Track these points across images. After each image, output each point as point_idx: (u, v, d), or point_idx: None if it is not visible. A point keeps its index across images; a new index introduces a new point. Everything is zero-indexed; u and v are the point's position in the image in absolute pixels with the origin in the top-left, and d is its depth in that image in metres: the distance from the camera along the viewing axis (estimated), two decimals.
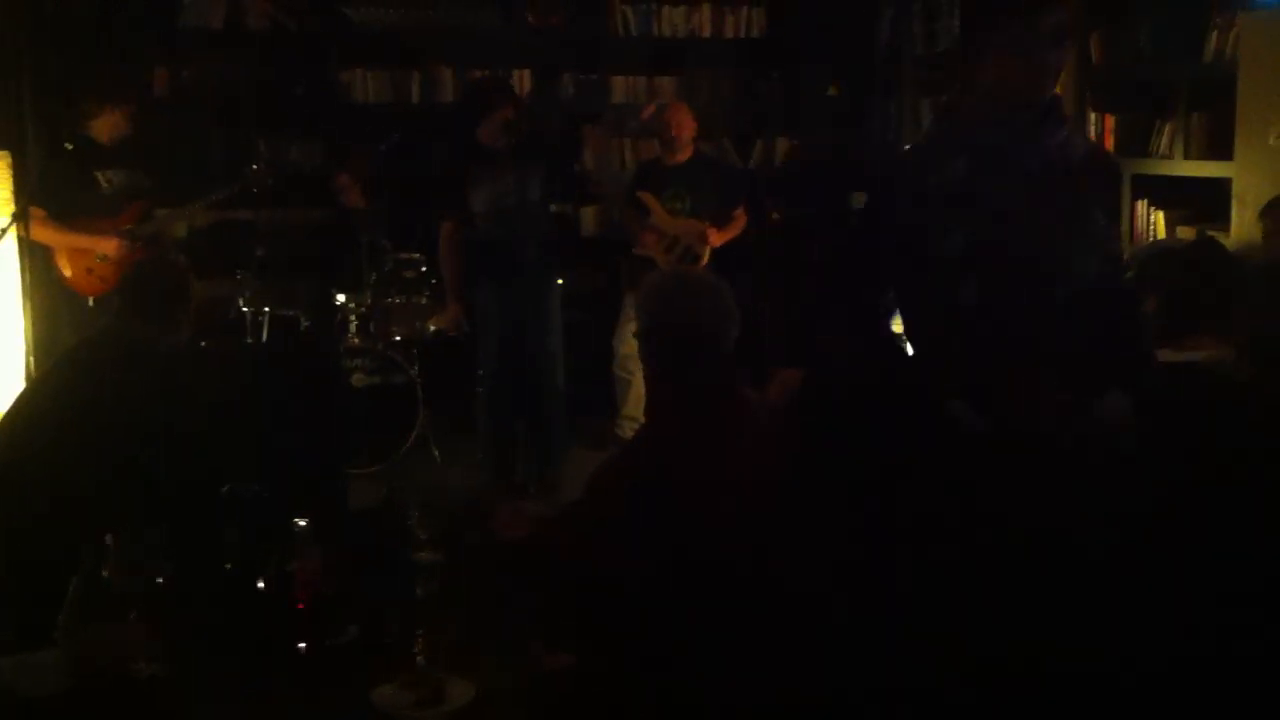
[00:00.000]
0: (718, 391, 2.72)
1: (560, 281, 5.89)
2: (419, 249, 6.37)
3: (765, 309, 5.33)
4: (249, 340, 5.97)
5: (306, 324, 6.20)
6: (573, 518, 2.83)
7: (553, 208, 6.00)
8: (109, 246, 5.46)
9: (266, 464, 3.13)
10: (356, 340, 6.17)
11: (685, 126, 6.35)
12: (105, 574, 2.34)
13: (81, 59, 6.19)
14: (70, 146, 5.56)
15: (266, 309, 6.08)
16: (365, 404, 5.94)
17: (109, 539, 2.37)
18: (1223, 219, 5.43)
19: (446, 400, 6.29)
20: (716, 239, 6.21)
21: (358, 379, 6.02)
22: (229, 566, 2.61)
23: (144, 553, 2.47)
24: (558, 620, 2.43)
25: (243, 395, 3.53)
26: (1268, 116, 5.18)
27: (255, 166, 6.02)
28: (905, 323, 2.97)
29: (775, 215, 7.50)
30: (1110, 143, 6.10)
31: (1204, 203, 5.67)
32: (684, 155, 6.36)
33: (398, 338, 6.25)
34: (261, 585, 2.49)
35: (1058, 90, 2.88)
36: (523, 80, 7.52)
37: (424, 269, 6.32)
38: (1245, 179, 5.30)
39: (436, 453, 6.24)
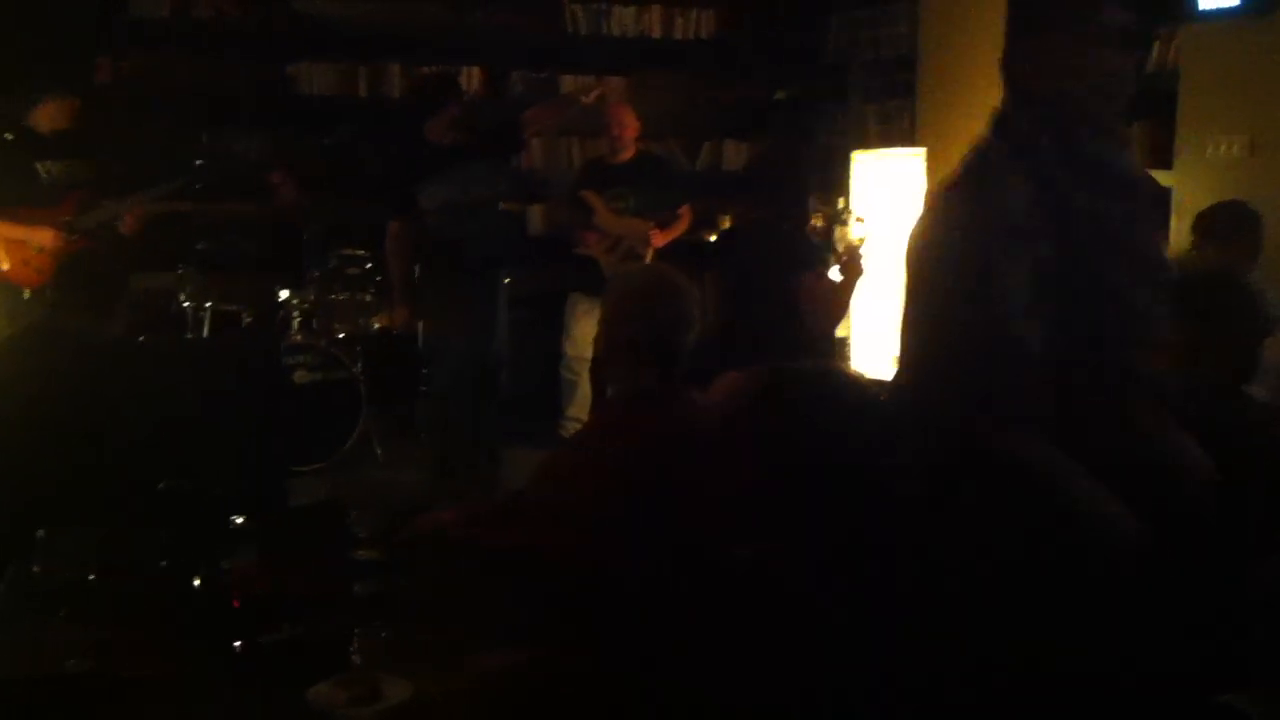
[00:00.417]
0: (668, 390, 2.73)
1: (507, 281, 5.87)
2: (364, 245, 6.32)
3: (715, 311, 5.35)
4: (189, 335, 5.90)
5: (248, 320, 6.13)
6: (518, 512, 2.82)
7: (500, 206, 5.97)
8: (46, 238, 5.38)
9: (203, 460, 3.10)
10: (299, 337, 6.11)
11: (629, 125, 6.35)
12: (35, 570, 2.30)
13: (23, 48, 6.09)
14: (10, 137, 5.48)
15: (208, 304, 6.01)
16: (307, 401, 5.89)
17: (40, 534, 2.33)
18: (1162, 228, 5.51)
19: (390, 398, 6.24)
20: (660, 239, 6.22)
21: (300, 376, 5.96)
22: (163, 563, 2.57)
23: (75, 549, 2.44)
24: (495, 617, 2.42)
25: (179, 390, 3.49)
26: (1208, 127, 5.26)
27: (199, 161, 5.96)
28: (927, 351, 2.54)
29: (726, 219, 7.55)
30: None
31: None
32: (628, 154, 6.36)
33: (341, 335, 6.20)
34: (197, 583, 2.46)
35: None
36: (472, 77, 7.49)
37: (369, 265, 6.27)
38: (1185, 188, 5.38)
39: (379, 451, 6.20)
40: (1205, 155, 5.26)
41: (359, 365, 6.10)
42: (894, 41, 7.21)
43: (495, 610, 2.45)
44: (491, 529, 2.76)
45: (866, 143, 7.26)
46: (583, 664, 2.22)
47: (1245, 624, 2.10)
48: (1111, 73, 2.42)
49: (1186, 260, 4.78)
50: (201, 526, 2.53)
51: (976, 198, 2.46)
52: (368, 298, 6.25)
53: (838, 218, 5.17)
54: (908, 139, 6.89)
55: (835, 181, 6.64)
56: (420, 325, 5.79)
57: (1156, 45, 5.62)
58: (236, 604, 2.38)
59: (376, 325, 6.21)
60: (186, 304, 5.99)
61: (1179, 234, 5.39)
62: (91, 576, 2.39)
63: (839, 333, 6.13)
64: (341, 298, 6.24)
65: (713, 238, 7.58)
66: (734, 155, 8.15)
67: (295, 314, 6.17)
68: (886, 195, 6.42)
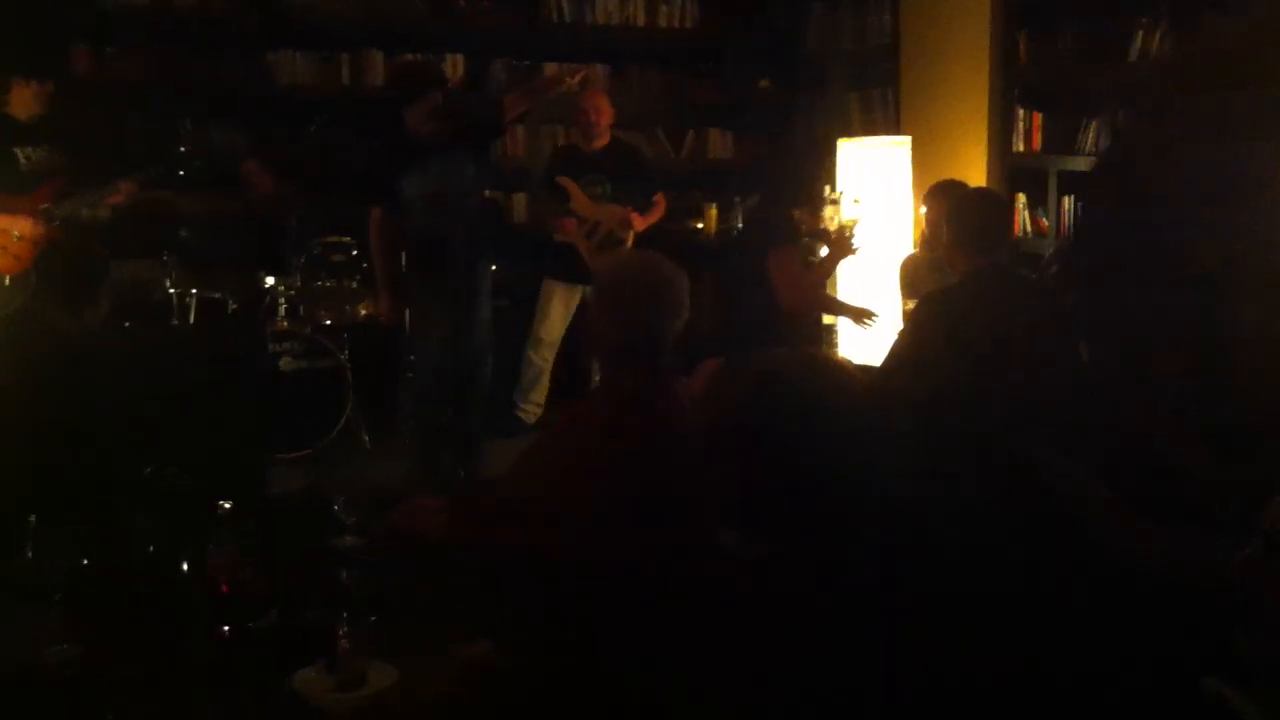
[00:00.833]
0: (655, 382, 2.73)
1: (493, 268, 5.87)
2: (348, 233, 6.30)
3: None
4: (174, 323, 5.89)
5: (233, 307, 6.11)
6: (504, 508, 2.83)
7: (484, 195, 5.97)
8: (24, 225, 5.36)
9: (188, 448, 3.10)
10: (285, 324, 6.09)
11: (604, 112, 6.36)
12: (29, 555, 2.31)
13: (1, 34, 6.06)
14: None
15: (193, 291, 6.00)
16: (293, 389, 5.88)
17: (30, 521, 2.34)
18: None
19: (375, 386, 6.24)
20: (641, 223, 6.23)
21: (285, 363, 5.95)
22: (150, 550, 2.58)
23: (63, 537, 2.45)
24: (482, 608, 2.43)
25: (163, 378, 3.48)
26: None
27: (182, 149, 5.94)
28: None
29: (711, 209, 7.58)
30: (1037, 140, 6.19)
31: None
32: (602, 141, 6.37)
33: (327, 322, 6.18)
34: (184, 569, 2.46)
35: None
36: (454, 66, 7.47)
37: (354, 253, 6.26)
38: None
39: (365, 438, 6.20)
40: None
41: (345, 353, 6.09)
42: (876, 30, 7.22)
43: (479, 600, 2.46)
44: (477, 526, 2.76)
45: (850, 131, 7.28)
46: (567, 657, 2.23)
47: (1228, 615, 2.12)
48: None
49: None
50: (187, 514, 2.53)
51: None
52: (353, 285, 6.24)
53: (831, 199, 5.22)
54: (891, 127, 6.91)
55: (820, 169, 6.65)
56: (406, 314, 5.77)
57: (1139, 35, 5.63)
58: (223, 590, 2.39)
59: (363, 312, 6.19)
60: (171, 291, 5.97)
61: None
62: (78, 564, 2.39)
63: (826, 320, 6.17)
64: (327, 285, 6.22)
65: (699, 225, 7.62)
66: (718, 145, 8.16)
67: (281, 301, 6.16)
68: (871, 182, 6.45)
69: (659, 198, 6.41)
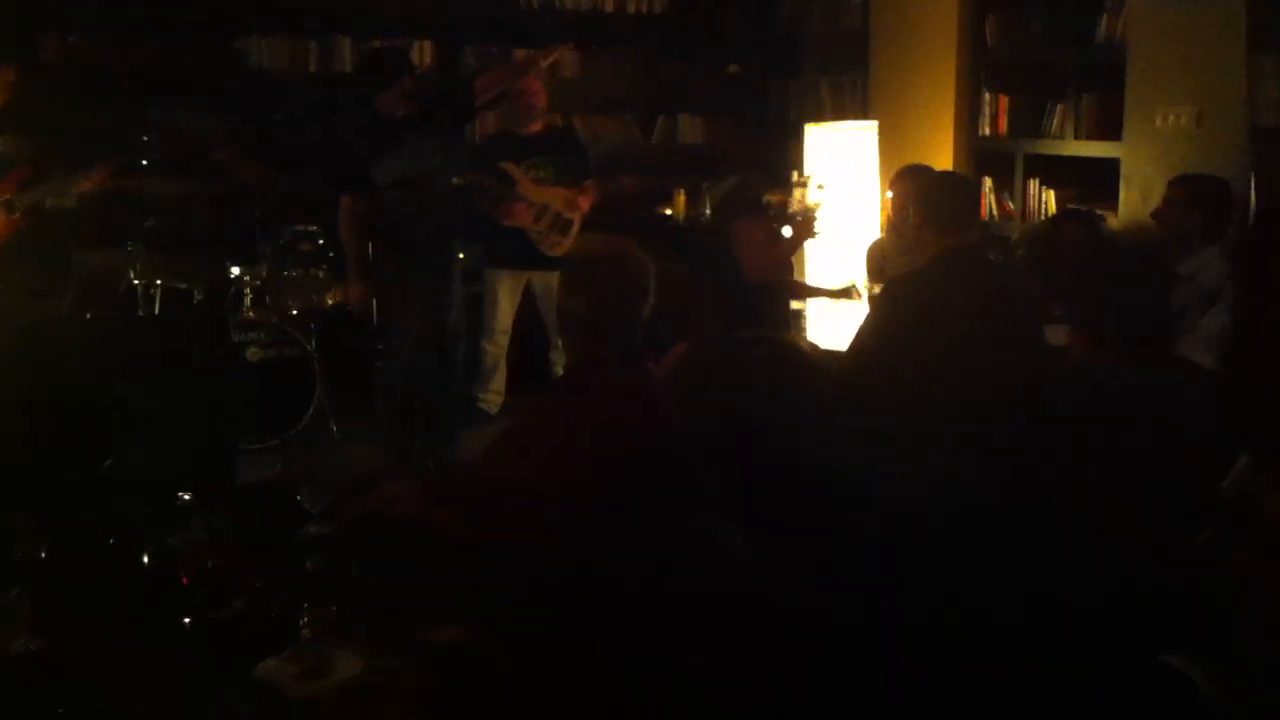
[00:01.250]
0: (624, 361, 2.74)
1: (461, 256, 5.85)
2: (316, 221, 6.26)
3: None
4: (140, 313, 5.84)
5: (199, 297, 6.07)
6: (484, 487, 2.83)
7: (455, 180, 5.93)
8: None
9: (151, 436, 3.08)
10: (252, 314, 6.06)
11: (542, 95, 6.33)
12: None
13: None
14: None
15: (159, 281, 5.95)
16: (261, 378, 5.85)
17: None
18: (1111, 198, 5.57)
19: (344, 375, 6.21)
20: (586, 204, 6.23)
21: (253, 353, 5.92)
22: (111, 541, 2.56)
23: (23, 527, 2.42)
24: (450, 594, 2.42)
25: (126, 366, 3.46)
26: (1156, 99, 5.32)
27: (147, 138, 5.88)
28: None
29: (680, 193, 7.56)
30: (1004, 123, 6.22)
31: (1093, 182, 5.81)
32: (538, 125, 6.34)
33: (294, 311, 6.14)
34: (146, 559, 2.45)
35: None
36: (424, 52, 7.44)
37: (321, 241, 6.22)
38: (1133, 159, 5.44)
39: (335, 428, 6.17)
40: (1154, 126, 5.32)
41: (313, 341, 6.06)
42: (847, 14, 7.23)
43: (447, 586, 2.46)
44: (449, 506, 2.77)
45: (820, 115, 7.29)
46: (540, 643, 2.23)
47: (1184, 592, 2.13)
48: None
49: (1135, 231, 4.85)
50: (149, 504, 2.51)
51: None
52: (321, 274, 6.20)
53: (799, 183, 5.24)
54: (860, 111, 6.92)
55: (789, 153, 6.66)
56: (375, 301, 5.75)
57: (1105, 18, 5.66)
58: (185, 581, 2.37)
59: (330, 301, 6.16)
60: (136, 281, 5.92)
61: (1127, 204, 5.45)
62: (41, 555, 2.37)
63: (795, 304, 6.18)
64: (294, 274, 6.18)
65: (668, 211, 7.61)
66: (688, 129, 8.15)
67: (248, 290, 6.12)
68: (839, 166, 6.45)
69: (590, 183, 6.40)
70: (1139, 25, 5.40)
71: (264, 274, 6.13)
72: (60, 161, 5.69)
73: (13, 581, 2.29)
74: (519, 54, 7.41)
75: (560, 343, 5.24)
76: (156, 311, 5.88)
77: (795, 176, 5.69)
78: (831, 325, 5.81)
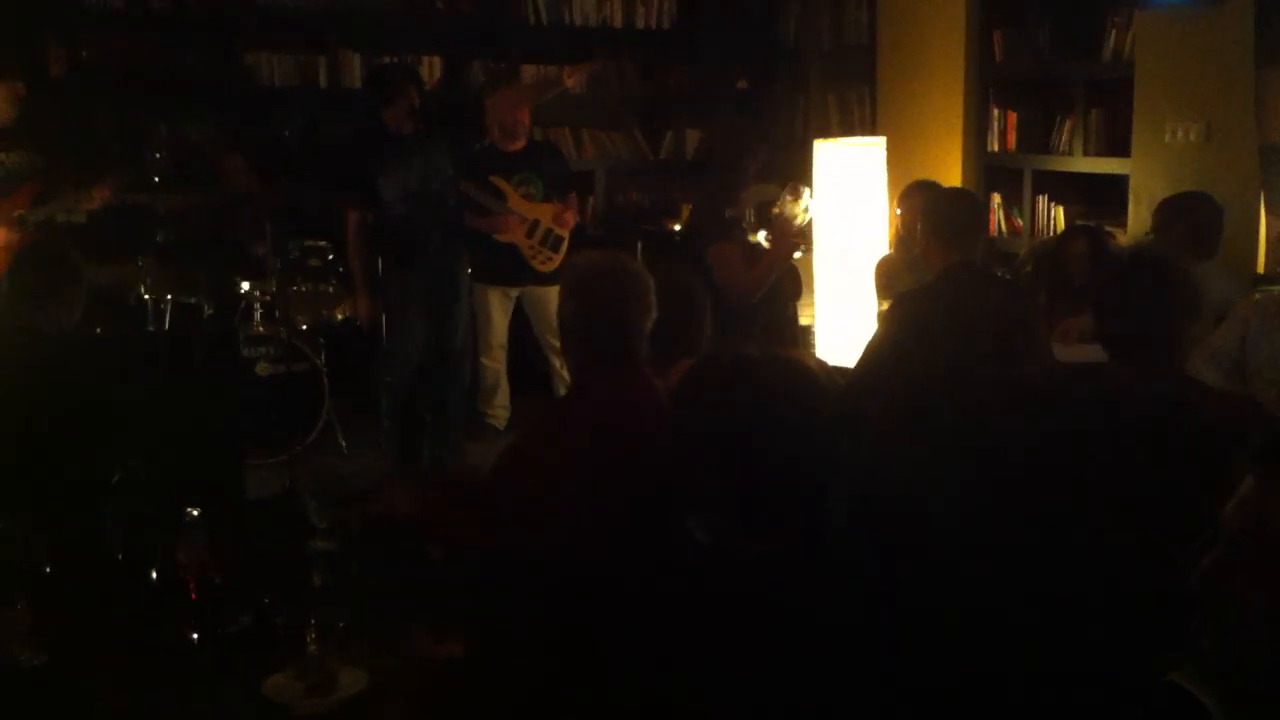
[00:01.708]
0: (625, 370, 2.75)
1: (470, 270, 5.86)
2: (325, 236, 6.28)
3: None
4: (150, 328, 5.85)
5: (209, 311, 6.09)
6: (489, 492, 2.84)
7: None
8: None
9: (159, 450, 3.08)
10: (261, 328, 6.07)
11: (525, 112, 6.35)
12: None
13: None
14: None
15: (169, 296, 5.97)
16: (270, 393, 5.85)
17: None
18: (1120, 214, 5.56)
19: (352, 389, 6.22)
20: (572, 220, 6.28)
21: (262, 368, 5.92)
22: (119, 556, 2.57)
23: (32, 541, 2.43)
24: (453, 606, 2.42)
25: (134, 382, 3.46)
26: (1164, 114, 5.32)
27: (158, 155, 5.90)
28: None
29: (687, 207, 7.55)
30: (1012, 139, 6.22)
31: (1102, 198, 5.80)
32: (521, 142, 6.37)
33: (304, 326, 6.16)
34: (153, 575, 2.45)
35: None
36: (433, 67, 7.46)
37: (330, 257, 6.24)
38: (1141, 175, 5.44)
39: (343, 442, 6.18)
40: (1162, 141, 5.31)
41: (321, 356, 6.08)
42: (854, 29, 7.23)
43: (451, 599, 2.46)
44: (454, 509, 2.78)
45: (828, 131, 7.29)
46: (540, 656, 2.23)
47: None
48: None
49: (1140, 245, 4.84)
50: (157, 518, 2.51)
51: None
52: (330, 288, 6.22)
53: (794, 195, 5.17)
54: (868, 127, 6.92)
55: (795, 168, 6.66)
56: (383, 316, 5.76)
57: (1112, 34, 5.66)
58: (193, 595, 2.38)
59: (339, 316, 6.18)
60: (146, 296, 5.94)
61: (1136, 220, 5.44)
62: (45, 568, 2.38)
63: (803, 320, 6.17)
64: (303, 288, 6.19)
65: (676, 226, 7.62)
66: (695, 144, 8.17)
67: (257, 305, 6.13)
68: (847, 183, 6.45)
69: (571, 197, 6.46)
70: (1147, 41, 5.40)
71: (273, 288, 6.14)
72: (71, 176, 5.71)
73: (17, 595, 2.29)
74: (526, 71, 7.44)
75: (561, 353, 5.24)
76: (166, 326, 5.90)
77: (789, 191, 5.69)
78: (841, 342, 5.79)
